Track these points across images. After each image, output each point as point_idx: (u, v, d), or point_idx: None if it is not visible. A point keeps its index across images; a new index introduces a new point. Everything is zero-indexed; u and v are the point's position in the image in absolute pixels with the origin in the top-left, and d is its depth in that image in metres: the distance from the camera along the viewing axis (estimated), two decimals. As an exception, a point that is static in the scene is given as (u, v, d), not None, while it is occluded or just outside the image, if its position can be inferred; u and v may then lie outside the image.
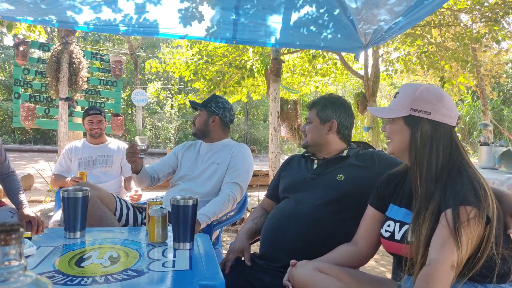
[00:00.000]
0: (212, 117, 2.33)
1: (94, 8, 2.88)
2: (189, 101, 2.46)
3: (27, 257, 1.24)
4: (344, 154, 1.72)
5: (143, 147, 2.07)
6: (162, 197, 2.11)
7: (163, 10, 2.97)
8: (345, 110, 1.76)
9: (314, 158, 1.77)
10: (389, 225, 1.31)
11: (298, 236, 1.56)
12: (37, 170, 6.69)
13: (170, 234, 1.46)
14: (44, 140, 15.98)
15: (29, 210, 2.32)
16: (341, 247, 1.45)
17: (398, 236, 1.27)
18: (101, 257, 1.28)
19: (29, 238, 1.38)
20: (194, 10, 3.03)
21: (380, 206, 1.41)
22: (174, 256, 1.33)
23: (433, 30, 6.41)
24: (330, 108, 1.74)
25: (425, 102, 1.25)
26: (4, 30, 4.87)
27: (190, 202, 1.39)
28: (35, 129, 14.80)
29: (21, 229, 0.56)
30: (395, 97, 1.35)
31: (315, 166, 1.74)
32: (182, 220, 1.39)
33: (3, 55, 16.90)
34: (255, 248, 1.74)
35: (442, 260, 1.06)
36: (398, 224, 1.29)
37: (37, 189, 6.73)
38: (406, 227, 1.26)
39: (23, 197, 2.38)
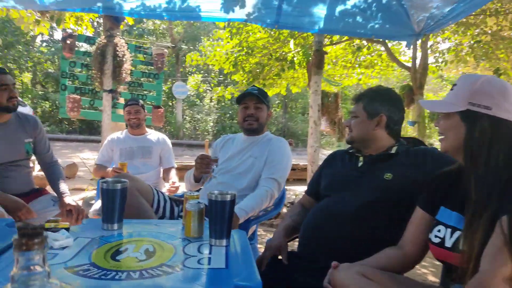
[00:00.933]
0: (268, 112, 2.31)
1: None
2: (253, 94, 2.22)
3: (64, 248, 1.24)
4: (393, 151, 1.59)
5: (216, 158, 2.09)
6: (199, 190, 2.08)
7: None
8: (394, 104, 1.62)
9: (359, 155, 1.66)
10: (439, 230, 1.19)
11: (340, 236, 1.47)
12: (81, 159, 6.95)
13: (206, 229, 1.41)
14: (89, 130, 16.68)
15: (70, 199, 2.36)
16: (387, 251, 1.34)
17: (449, 243, 1.15)
18: (137, 250, 1.26)
19: (67, 229, 1.38)
20: None
21: (429, 208, 1.29)
22: (210, 252, 1.28)
23: (489, 19, 5.97)
24: (379, 101, 1.61)
25: (485, 96, 1.12)
26: (54, 24, 5.05)
27: (228, 197, 1.34)
28: (81, 120, 15.46)
29: (45, 233, 0.51)
30: (452, 89, 1.22)
31: (360, 164, 1.63)
32: (219, 216, 1.34)
33: (53, 49, 17.76)
34: (292, 246, 1.66)
35: (494, 272, 0.95)
36: (449, 229, 1.17)
37: (80, 178, 7.01)
38: (458, 233, 1.14)
39: (64, 186, 2.43)
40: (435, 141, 9.09)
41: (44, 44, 19.17)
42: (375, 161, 1.59)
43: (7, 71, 2.31)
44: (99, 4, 3.04)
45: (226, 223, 1.34)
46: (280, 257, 1.57)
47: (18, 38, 15.70)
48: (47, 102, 17.28)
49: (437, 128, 1.29)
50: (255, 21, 3.24)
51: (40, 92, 17.76)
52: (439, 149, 1.32)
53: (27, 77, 18.74)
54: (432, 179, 1.32)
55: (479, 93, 1.12)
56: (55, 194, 2.42)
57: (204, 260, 1.21)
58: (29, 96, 16.95)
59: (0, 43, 5.61)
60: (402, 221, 1.37)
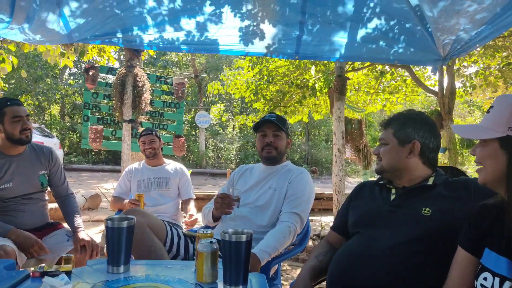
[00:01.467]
0: (287, 140, 2.20)
1: (158, 26, 2.91)
2: (271, 121, 2.12)
3: (61, 295, 1.11)
4: (430, 182, 1.41)
5: (237, 198, 1.98)
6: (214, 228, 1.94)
7: (224, 28, 2.92)
8: (429, 129, 1.45)
9: (391, 187, 1.48)
10: (485, 278, 1.00)
11: (373, 280, 1.28)
12: (101, 189, 6.91)
13: (221, 272, 1.26)
14: (115, 160, 16.91)
15: (84, 234, 2.28)
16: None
17: None
18: (142, 299, 1.11)
19: (69, 272, 1.26)
20: (255, 28, 2.95)
21: (473, 248, 1.10)
22: (224, 302, 1.12)
23: (518, 40, 5.75)
24: (411, 127, 1.45)
25: None
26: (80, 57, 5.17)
27: (244, 237, 1.18)
28: (107, 150, 15.77)
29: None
30: (488, 111, 1.07)
31: (392, 197, 1.45)
32: (234, 259, 1.18)
33: (80, 81, 18.42)
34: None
35: None
36: (498, 279, 0.97)
37: (103, 208, 6.98)
38: (509, 284, 0.95)
39: (79, 220, 2.35)
40: (467, 168, 8.67)
41: (72, 77, 19.94)
42: (410, 194, 1.41)
43: (21, 103, 2.29)
44: (119, 36, 3.05)
45: (242, 266, 1.19)
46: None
47: (47, 71, 16.37)
48: (74, 133, 17.74)
49: (472, 155, 1.11)
50: (275, 53, 3.18)
51: (68, 124, 18.29)
52: (478, 181, 1.14)
53: (55, 109, 19.42)
54: (473, 214, 1.14)
55: None
56: (70, 229, 2.35)
57: (216, 312, 1.05)
58: (57, 127, 17.46)
59: (25, 75, 5.74)
60: (444, 263, 1.18)
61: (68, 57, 4.96)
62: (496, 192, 1.11)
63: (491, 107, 1.07)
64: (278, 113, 7.33)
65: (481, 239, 1.08)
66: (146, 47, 3.20)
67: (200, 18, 2.85)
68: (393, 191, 1.47)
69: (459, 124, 1.33)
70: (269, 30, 2.95)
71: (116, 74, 4.62)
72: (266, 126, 2.15)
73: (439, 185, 1.39)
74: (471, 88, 6.63)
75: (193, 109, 19.10)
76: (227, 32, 2.96)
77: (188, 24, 2.91)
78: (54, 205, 3.29)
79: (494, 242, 1.04)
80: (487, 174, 1.05)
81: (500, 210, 1.07)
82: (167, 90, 5.81)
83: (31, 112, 17.14)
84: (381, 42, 3.00)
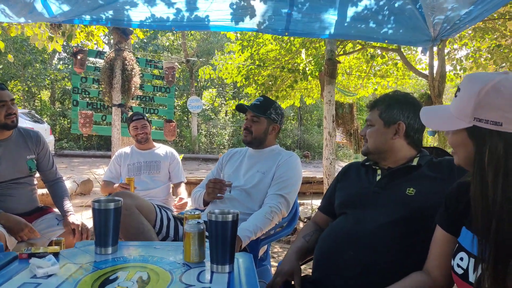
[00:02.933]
0: (272, 125, 2.16)
1: (148, 2, 2.86)
2: (247, 106, 2.15)
3: (49, 276, 1.12)
4: (415, 163, 1.43)
5: (229, 183, 1.99)
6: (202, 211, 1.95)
7: (215, 3, 2.89)
8: (414, 110, 1.45)
9: (377, 168, 1.50)
10: (461, 259, 0.99)
11: (358, 261, 1.30)
12: (94, 174, 6.88)
13: (208, 253, 1.27)
14: (107, 146, 16.78)
15: (74, 218, 2.29)
16: (413, 276, 1.17)
17: (472, 277, 0.95)
18: (129, 279, 1.13)
19: (57, 254, 1.27)
20: (245, 3, 2.92)
21: (450, 227, 1.10)
22: (211, 281, 1.14)
23: (509, 22, 5.75)
24: (396, 108, 1.46)
25: (493, 109, 0.91)
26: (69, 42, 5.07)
27: (230, 217, 1.20)
28: (98, 136, 15.64)
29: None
30: (456, 95, 1.02)
31: (378, 177, 1.46)
32: (221, 239, 1.20)
33: (70, 66, 18.11)
34: (305, 268, 1.50)
35: None
36: (472, 260, 0.96)
37: (96, 194, 6.97)
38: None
39: (68, 204, 2.36)
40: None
41: (61, 62, 19.61)
42: (395, 175, 1.43)
43: (6, 87, 2.26)
44: (108, 15, 3.00)
45: (229, 246, 1.20)
46: (293, 282, 1.42)
47: (35, 56, 16.06)
48: (65, 119, 17.55)
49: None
50: (265, 30, 3.16)
51: (58, 109, 18.06)
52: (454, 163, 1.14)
53: (45, 94, 19.14)
54: (450, 192, 1.13)
55: (485, 107, 0.92)
56: (60, 213, 2.35)
57: (202, 290, 1.07)
58: (48, 113, 17.25)
59: (12, 59, 5.63)
60: (428, 242, 1.20)
61: (56, 41, 4.87)
62: None
63: (458, 89, 1.02)
64: (270, 97, 7.31)
65: (458, 218, 1.08)
66: (135, 26, 3.16)
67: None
68: (379, 172, 1.49)
69: (427, 110, 1.26)
70: (259, 6, 2.93)
71: (105, 58, 4.56)
72: (248, 110, 2.15)
73: (424, 166, 1.41)
74: (462, 71, 6.66)
75: (185, 94, 18.95)
76: (217, 6, 2.94)
77: (178, 1, 2.87)
78: (45, 190, 3.28)
79: (470, 221, 1.02)
80: (459, 159, 1.04)
81: None
82: (158, 74, 5.75)
83: (21, 98, 16.88)
84: (371, 21, 2.99)
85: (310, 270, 1.48)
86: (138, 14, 3.00)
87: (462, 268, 0.98)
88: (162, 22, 3.12)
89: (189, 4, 2.90)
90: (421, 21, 2.77)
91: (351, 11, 2.84)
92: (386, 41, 3.23)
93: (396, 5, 2.75)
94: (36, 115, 12.22)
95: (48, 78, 17.44)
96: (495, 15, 5.52)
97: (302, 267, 1.54)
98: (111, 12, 2.95)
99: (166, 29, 3.24)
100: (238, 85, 7.97)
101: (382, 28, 2.95)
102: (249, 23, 3.07)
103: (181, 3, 2.91)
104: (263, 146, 2.18)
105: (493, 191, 0.91)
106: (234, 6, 2.91)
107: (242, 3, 2.87)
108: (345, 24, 2.94)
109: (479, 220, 0.94)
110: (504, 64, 6.11)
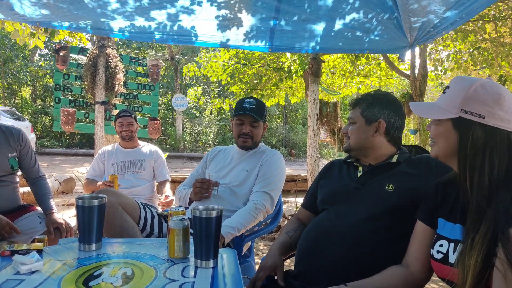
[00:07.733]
0: (264, 125, 2.21)
1: (127, 18, 2.84)
2: (249, 114, 2.07)
3: (32, 273, 1.12)
4: (394, 159, 1.47)
5: (216, 182, 2.00)
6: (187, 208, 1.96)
7: (200, 20, 2.89)
8: (394, 109, 1.51)
9: (358, 165, 1.54)
10: (441, 245, 1.09)
11: (339, 255, 1.34)
12: (76, 173, 6.75)
13: (192, 249, 1.29)
14: (89, 144, 16.54)
15: (57, 216, 2.26)
16: (391, 270, 1.22)
17: (452, 258, 1.05)
18: (113, 274, 1.14)
19: (40, 251, 1.27)
20: (229, 20, 2.92)
21: (430, 221, 1.19)
22: (195, 276, 1.16)
23: (487, 25, 5.90)
24: (377, 106, 1.50)
25: (478, 103, 1.04)
26: (51, 38, 4.98)
27: (214, 213, 1.22)
28: (81, 134, 15.39)
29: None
30: (444, 91, 1.13)
31: (359, 174, 1.51)
32: (205, 234, 1.22)
33: (52, 63, 17.75)
34: (289, 265, 1.53)
35: None
36: (452, 244, 1.06)
37: (78, 192, 6.87)
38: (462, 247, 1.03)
39: (51, 202, 2.33)
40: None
41: (43, 59, 19.20)
42: (376, 171, 1.47)
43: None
44: (87, 22, 2.95)
45: (213, 242, 1.22)
46: (276, 277, 1.45)
47: (17, 52, 15.70)
48: (47, 116, 17.19)
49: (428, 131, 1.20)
50: (250, 46, 3.18)
51: (39, 107, 17.68)
52: (431, 155, 1.23)
53: (26, 91, 18.72)
54: (429, 190, 1.23)
55: (472, 100, 1.05)
56: (42, 211, 2.32)
57: (187, 285, 1.09)
58: (29, 111, 16.87)
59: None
60: (406, 236, 1.25)
61: (38, 38, 4.78)
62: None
63: (447, 87, 1.13)
64: (255, 95, 7.33)
65: (435, 211, 1.17)
66: (115, 35, 3.12)
67: (172, 10, 2.79)
68: (360, 169, 1.53)
69: (417, 102, 1.42)
70: (246, 20, 2.92)
71: (88, 55, 4.50)
72: (244, 115, 2.11)
73: (403, 163, 1.45)
74: (442, 72, 6.80)
75: (169, 92, 18.81)
76: (202, 23, 2.93)
77: (159, 14, 2.84)
78: (27, 188, 3.23)
79: (449, 213, 1.13)
80: (439, 150, 1.13)
81: (453, 183, 1.15)
82: (142, 72, 5.70)
83: (1, 95, 16.47)
84: (357, 33, 3.04)
85: (293, 266, 1.51)
86: (118, 24, 2.95)
87: (442, 253, 1.07)
88: (143, 33, 3.10)
89: (171, 18, 2.86)
90: (398, 30, 2.83)
91: (338, 24, 2.88)
92: (367, 52, 3.32)
93: (385, 17, 2.78)
94: (17, 112, 11.96)
95: (30, 75, 17.05)
96: (474, 17, 5.65)
97: (286, 263, 1.57)
98: (90, 21, 2.91)
99: (148, 40, 3.21)
100: (223, 83, 7.96)
101: (367, 37, 3.01)
102: (233, 37, 3.07)
103: (163, 17, 2.87)
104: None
105: (476, 174, 1.03)
106: (220, 22, 2.91)
107: (227, 20, 2.87)
108: (330, 38, 2.99)
109: (466, 200, 1.05)
110: (484, 65, 6.27)
